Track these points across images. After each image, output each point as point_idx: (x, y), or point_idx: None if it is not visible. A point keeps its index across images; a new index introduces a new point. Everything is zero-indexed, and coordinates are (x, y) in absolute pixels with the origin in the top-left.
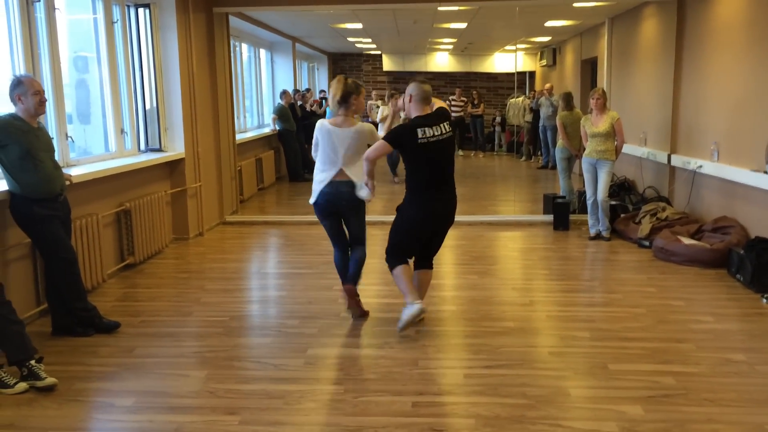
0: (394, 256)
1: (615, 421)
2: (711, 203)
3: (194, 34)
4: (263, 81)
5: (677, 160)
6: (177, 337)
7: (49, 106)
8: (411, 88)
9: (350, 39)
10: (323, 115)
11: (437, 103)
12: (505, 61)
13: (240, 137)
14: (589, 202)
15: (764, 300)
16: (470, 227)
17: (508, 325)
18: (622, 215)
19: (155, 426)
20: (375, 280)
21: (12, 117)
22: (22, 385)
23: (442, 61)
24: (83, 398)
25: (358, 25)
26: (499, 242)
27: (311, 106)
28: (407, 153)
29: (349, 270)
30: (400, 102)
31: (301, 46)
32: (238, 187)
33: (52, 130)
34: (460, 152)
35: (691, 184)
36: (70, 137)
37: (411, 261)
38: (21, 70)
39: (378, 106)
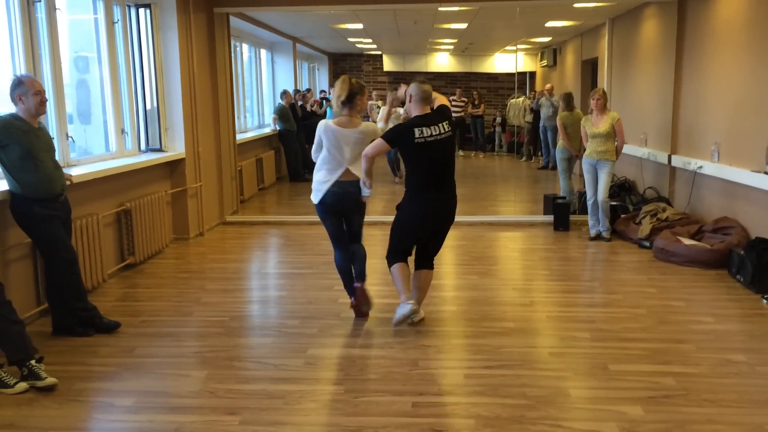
0: (393, 254)
1: (615, 421)
2: (711, 204)
3: (195, 35)
4: (264, 81)
5: (678, 161)
6: (177, 337)
7: (50, 106)
8: (411, 89)
9: (351, 39)
10: (324, 115)
11: (439, 99)
12: (506, 61)
13: (240, 137)
14: (589, 203)
15: (764, 301)
16: (470, 227)
17: (509, 326)
18: (623, 216)
19: (155, 426)
20: (375, 280)
21: (13, 117)
22: (23, 385)
23: (442, 61)
24: (83, 398)
25: (359, 26)
26: (499, 243)
27: (311, 106)
28: (405, 152)
29: (356, 269)
30: (400, 92)
31: (301, 47)
32: (239, 187)
33: (52, 130)
34: (461, 152)
35: (691, 185)
36: (71, 137)
37: (412, 261)
38: (22, 70)
39: (378, 107)
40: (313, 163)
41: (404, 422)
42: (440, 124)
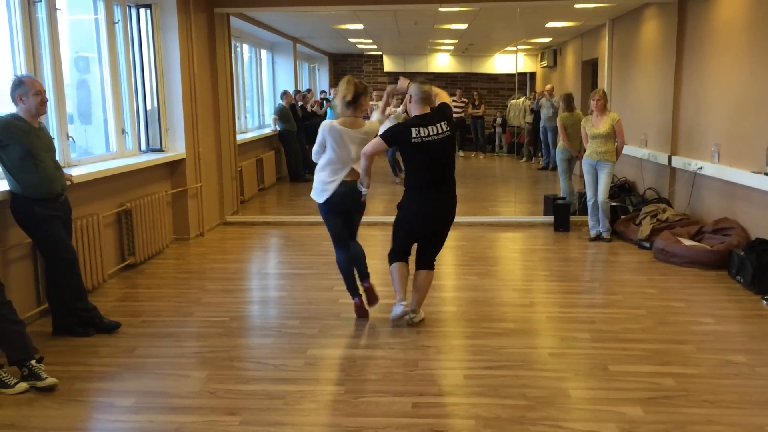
0: (393, 254)
1: (615, 422)
2: (711, 205)
3: (195, 35)
4: (264, 81)
5: (678, 162)
6: (177, 338)
7: (50, 106)
8: (411, 89)
9: (351, 40)
10: (324, 116)
11: (441, 96)
12: (506, 62)
13: (241, 138)
14: (589, 204)
15: (764, 301)
16: (471, 228)
17: (509, 326)
18: (623, 216)
19: (156, 426)
20: (375, 280)
21: (13, 117)
22: (23, 385)
23: (442, 62)
24: (84, 398)
25: (359, 26)
26: (499, 243)
27: (312, 106)
28: (404, 152)
29: (359, 269)
30: (400, 85)
31: (302, 47)
32: (239, 187)
33: (53, 130)
34: (461, 153)
35: (691, 186)
36: (71, 137)
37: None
38: (22, 70)
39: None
40: (313, 164)
41: (404, 423)
42: (438, 124)
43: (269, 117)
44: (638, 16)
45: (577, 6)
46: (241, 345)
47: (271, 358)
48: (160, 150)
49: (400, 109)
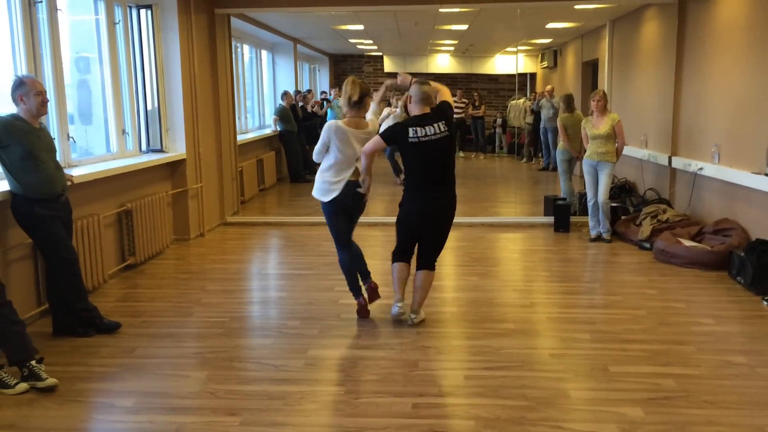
0: (395, 253)
1: (615, 423)
2: (712, 205)
3: (196, 35)
4: (264, 82)
5: (678, 162)
6: (178, 338)
7: (51, 107)
8: (412, 90)
9: (351, 40)
10: (324, 116)
11: (443, 93)
12: (506, 62)
13: (241, 138)
14: (589, 204)
15: (765, 302)
16: (471, 229)
17: (509, 327)
18: (623, 217)
19: (156, 427)
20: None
21: (14, 117)
22: (23, 386)
23: (443, 62)
24: (84, 399)
25: (360, 27)
26: (499, 244)
27: (312, 107)
28: (402, 151)
29: (360, 269)
30: (402, 80)
31: (302, 48)
32: (239, 187)
33: (53, 131)
34: (461, 154)
35: (691, 186)
36: (72, 138)
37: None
38: (23, 70)
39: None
40: (314, 164)
41: (404, 423)
42: (436, 124)
43: (270, 117)
44: (638, 17)
45: (577, 7)
46: (242, 345)
47: (271, 358)
48: (161, 150)
49: (398, 110)
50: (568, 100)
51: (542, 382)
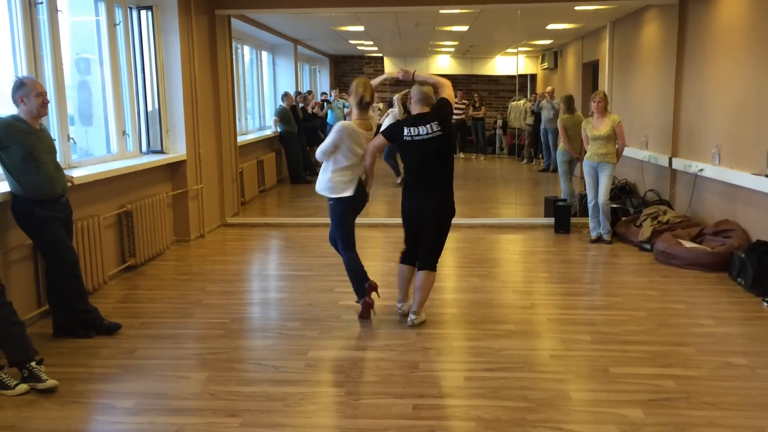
0: (402, 253)
1: (616, 424)
2: (712, 206)
3: (196, 37)
4: (265, 83)
5: (678, 164)
6: (178, 339)
7: (51, 108)
8: (412, 90)
9: (352, 41)
10: (325, 118)
11: (444, 90)
12: (507, 63)
13: (241, 139)
14: (590, 205)
15: (765, 303)
16: (471, 230)
17: (509, 328)
18: (623, 218)
19: (156, 428)
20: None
21: (14, 118)
22: (23, 387)
23: (443, 63)
24: (84, 400)
25: (360, 28)
26: (500, 245)
27: (312, 108)
28: (399, 149)
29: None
30: (405, 75)
31: (302, 49)
32: (240, 189)
33: (54, 132)
34: (462, 155)
35: (692, 188)
36: (72, 139)
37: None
38: (24, 71)
39: (379, 108)
40: (314, 165)
41: (405, 425)
42: (429, 125)
43: (270, 118)
44: (639, 18)
45: (577, 8)
46: (242, 346)
47: (271, 359)
48: (161, 151)
49: (396, 110)
50: (569, 101)
51: (542, 383)
